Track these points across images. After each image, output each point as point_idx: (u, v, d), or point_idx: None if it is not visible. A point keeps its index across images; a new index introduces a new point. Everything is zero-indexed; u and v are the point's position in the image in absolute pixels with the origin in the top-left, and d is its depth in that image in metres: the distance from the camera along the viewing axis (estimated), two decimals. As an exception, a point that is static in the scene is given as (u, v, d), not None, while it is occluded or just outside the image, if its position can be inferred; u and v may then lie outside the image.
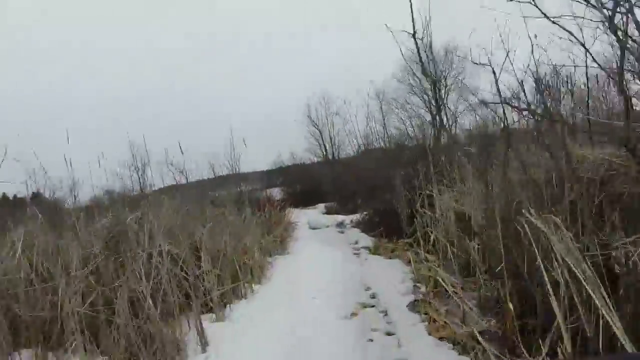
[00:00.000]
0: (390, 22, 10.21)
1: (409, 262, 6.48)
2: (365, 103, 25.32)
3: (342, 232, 11.82)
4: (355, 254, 8.78)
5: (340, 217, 13.83)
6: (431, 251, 6.52)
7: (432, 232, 6.77)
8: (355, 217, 12.68)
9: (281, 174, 25.62)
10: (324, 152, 26.43)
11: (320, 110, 26.49)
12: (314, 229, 12.66)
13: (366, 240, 9.54)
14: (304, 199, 21.51)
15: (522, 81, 4.91)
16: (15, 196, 10.65)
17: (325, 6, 37.35)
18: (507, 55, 5.01)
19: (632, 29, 3.38)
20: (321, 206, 18.98)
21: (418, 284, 5.63)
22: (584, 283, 2.59)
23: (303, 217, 14.13)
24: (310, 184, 22.06)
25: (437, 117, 15.91)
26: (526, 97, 5.03)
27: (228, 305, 5.28)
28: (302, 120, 26.60)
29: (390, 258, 7.64)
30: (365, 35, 26.73)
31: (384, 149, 23.11)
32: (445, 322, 4.15)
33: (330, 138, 26.38)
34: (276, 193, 26.54)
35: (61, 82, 28.70)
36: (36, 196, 8.68)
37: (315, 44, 37.62)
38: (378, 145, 24.81)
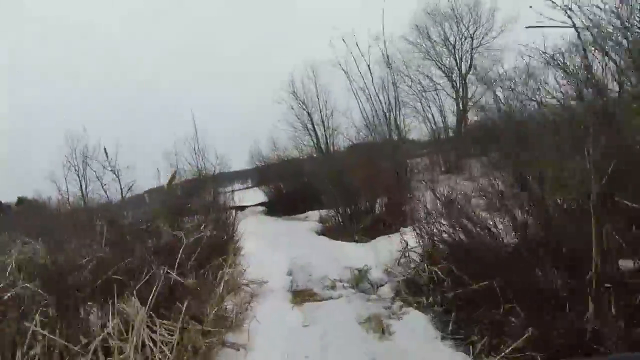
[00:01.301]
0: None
1: None
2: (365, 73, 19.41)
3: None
4: None
5: (355, 250, 7.33)
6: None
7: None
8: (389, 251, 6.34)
9: (259, 171, 19.63)
10: (315, 142, 20.41)
11: (309, 86, 20.47)
12: (305, 296, 5.69)
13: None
14: (290, 205, 15.65)
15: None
16: (0, 203, 11.71)
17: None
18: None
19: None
20: (314, 215, 13.08)
21: None
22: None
23: (281, 245, 8.12)
24: (297, 183, 16.15)
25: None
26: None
27: None
28: (286, 101, 20.55)
29: None
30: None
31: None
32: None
33: (323, 122, 20.36)
34: (250, 198, 20.67)
35: None
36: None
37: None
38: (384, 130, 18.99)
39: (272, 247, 7.68)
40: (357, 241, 7.58)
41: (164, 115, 26.82)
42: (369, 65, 19.21)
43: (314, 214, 13.03)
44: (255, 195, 20.44)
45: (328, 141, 20.29)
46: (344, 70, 16.54)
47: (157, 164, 17.05)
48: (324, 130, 20.44)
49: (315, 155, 20.20)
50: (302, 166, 17.70)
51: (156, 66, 30.69)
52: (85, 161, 17.56)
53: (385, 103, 19.65)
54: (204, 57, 35.52)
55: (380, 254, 5.99)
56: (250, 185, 30.83)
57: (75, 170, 18.58)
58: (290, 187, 16.90)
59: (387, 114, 19.78)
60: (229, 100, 31.20)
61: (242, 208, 20.89)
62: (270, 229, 10.87)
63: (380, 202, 9.09)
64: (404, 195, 8.67)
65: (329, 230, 9.31)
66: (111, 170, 16.18)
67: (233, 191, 23.52)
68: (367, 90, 19.47)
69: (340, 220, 9.45)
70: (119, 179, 16.93)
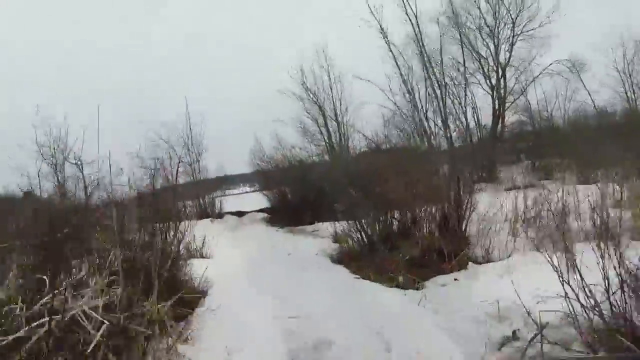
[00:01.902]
0: None
1: None
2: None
3: None
4: None
5: (407, 308, 4.02)
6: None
7: None
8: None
9: (261, 173, 16.95)
10: (327, 140, 17.66)
11: (321, 76, 17.75)
12: None
13: None
14: (295, 214, 12.94)
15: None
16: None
17: None
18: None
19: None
20: (325, 228, 10.30)
21: None
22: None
23: (277, 285, 5.34)
24: (305, 188, 13.45)
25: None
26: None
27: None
28: (295, 94, 17.85)
29: None
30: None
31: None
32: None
33: (337, 117, 17.60)
34: (251, 203, 17.92)
35: None
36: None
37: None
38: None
39: (260, 290, 4.93)
40: (400, 285, 4.75)
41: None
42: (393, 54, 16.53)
43: (325, 228, 10.27)
44: (256, 200, 17.74)
45: (342, 140, 17.53)
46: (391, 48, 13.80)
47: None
48: (338, 128, 17.68)
49: (325, 156, 17.46)
50: (311, 169, 14.99)
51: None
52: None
53: (412, 97, 16.95)
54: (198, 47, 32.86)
55: (461, 327, 3.18)
56: (253, 189, 28.31)
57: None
58: (297, 192, 14.19)
59: (417, 110, 17.10)
60: (228, 96, 28.55)
61: (241, 214, 18.31)
62: (264, 249, 8.11)
63: (422, 216, 6.31)
64: (463, 210, 5.92)
65: (350, 257, 6.49)
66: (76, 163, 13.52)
67: (223, 196, 21.07)
68: (396, 82, 16.79)
69: (365, 240, 6.67)
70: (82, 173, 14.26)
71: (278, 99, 19.35)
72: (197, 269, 5.44)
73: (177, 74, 27.52)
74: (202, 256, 7.32)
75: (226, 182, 25.63)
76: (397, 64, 16.58)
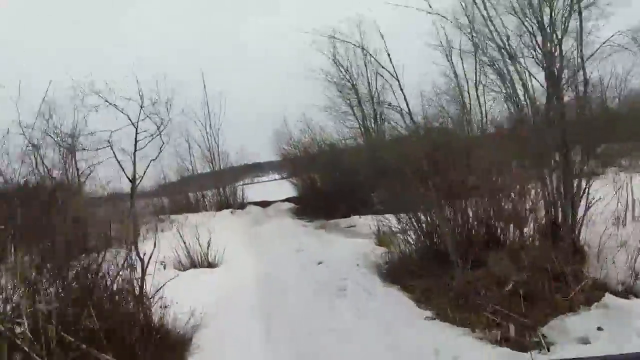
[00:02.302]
0: None
1: None
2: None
3: None
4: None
5: None
6: None
7: None
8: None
9: (286, 158, 15.20)
10: (361, 122, 15.61)
11: (355, 53, 15.62)
12: None
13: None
14: (327, 204, 11.16)
15: None
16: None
17: None
18: None
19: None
20: (364, 224, 8.47)
21: None
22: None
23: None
24: (338, 175, 11.66)
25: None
26: None
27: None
28: (323, 71, 15.80)
29: None
30: None
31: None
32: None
33: (372, 97, 15.52)
34: (276, 191, 16.24)
35: None
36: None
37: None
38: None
39: (273, 340, 3.15)
40: (511, 339, 2.82)
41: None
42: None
43: (364, 223, 8.42)
44: (283, 189, 16.09)
45: (378, 121, 15.45)
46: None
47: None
48: (373, 108, 15.59)
49: (359, 139, 15.44)
50: (344, 153, 13.09)
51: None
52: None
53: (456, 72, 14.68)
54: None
55: None
56: (280, 177, 26.81)
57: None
58: (328, 180, 12.37)
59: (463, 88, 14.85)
60: (250, 77, 26.70)
61: (265, 204, 16.70)
62: (288, 255, 6.31)
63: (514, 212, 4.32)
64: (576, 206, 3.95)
65: (406, 271, 4.58)
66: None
67: (250, 184, 19.54)
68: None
69: (427, 244, 4.77)
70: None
71: (307, 79, 17.44)
72: (192, 289, 3.74)
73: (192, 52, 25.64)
74: (209, 265, 5.65)
75: (254, 169, 24.15)
76: (445, 37, 14.24)
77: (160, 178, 14.90)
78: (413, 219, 5.06)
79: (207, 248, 5.56)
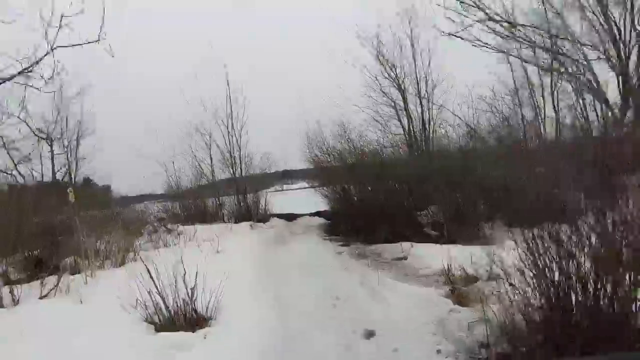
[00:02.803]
0: None
1: None
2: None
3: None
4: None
5: None
6: None
7: None
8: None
9: (321, 168, 13.12)
10: (407, 128, 13.40)
11: (400, 51, 13.46)
12: None
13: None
14: (365, 224, 9.07)
15: None
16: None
17: None
18: None
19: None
20: (419, 258, 6.34)
21: None
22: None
23: None
24: (382, 189, 9.58)
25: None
26: None
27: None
28: (367, 68, 13.71)
29: None
30: None
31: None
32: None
33: (420, 100, 13.33)
34: (305, 202, 14.16)
35: None
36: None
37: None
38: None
39: None
40: None
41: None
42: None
43: (423, 255, 6.22)
44: (311, 200, 14.06)
45: (428, 128, 13.22)
46: None
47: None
48: (421, 112, 13.37)
49: (401, 147, 13.23)
50: (388, 164, 10.89)
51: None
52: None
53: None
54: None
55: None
56: (309, 186, 24.84)
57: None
58: (368, 194, 10.23)
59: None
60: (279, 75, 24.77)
61: (292, 217, 14.17)
62: (315, 312, 4.11)
63: None
64: None
65: None
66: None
67: (279, 191, 17.59)
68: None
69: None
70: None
71: (345, 76, 15.44)
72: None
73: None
74: (193, 322, 3.60)
75: (281, 177, 22.21)
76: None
77: (173, 181, 13.25)
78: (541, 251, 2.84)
79: (191, 298, 3.51)
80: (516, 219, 4.18)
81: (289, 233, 10.71)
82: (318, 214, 13.34)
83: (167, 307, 3.54)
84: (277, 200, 14.21)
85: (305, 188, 27.79)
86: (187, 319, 3.55)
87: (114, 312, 3.60)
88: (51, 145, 12.86)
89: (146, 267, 3.45)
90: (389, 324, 3.56)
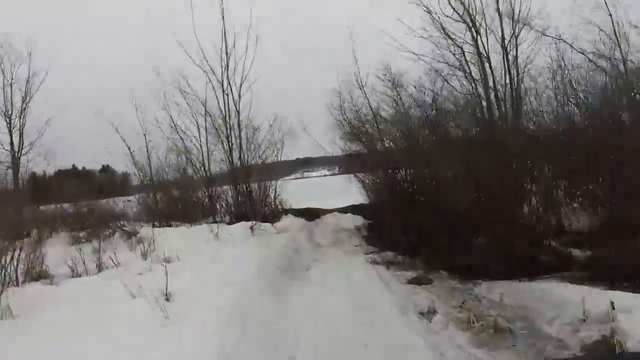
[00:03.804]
0: None
1: None
2: None
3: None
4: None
5: None
6: None
7: None
8: None
9: (355, 138, 8.83)
10: (483, 80, 8.91)
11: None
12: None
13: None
14: (428, 233, 5.17)
15: None
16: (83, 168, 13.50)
17: None
18: None
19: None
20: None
21: None
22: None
23: None
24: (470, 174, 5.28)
25: None
26: None
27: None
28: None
29: None
30: None
31: None
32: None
33: (505, 46, 8.78)
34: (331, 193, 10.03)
35: None
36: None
37: None
38: None
39: None
40: None
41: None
42: None
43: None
44: (340, 189, 9.94)
45: (513, 81, 8.71)
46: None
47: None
48: (506, 62, 8.83)
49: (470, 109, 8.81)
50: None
51: None
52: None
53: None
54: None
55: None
56: (333, 173, 20.89)
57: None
58: (443, 174, 6.03)
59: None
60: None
61: (313, 214, 8.16)
62: None
63: None
64: None
65: None
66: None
67: (297, 178, 13.74)
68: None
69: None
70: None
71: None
72: None
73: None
74: None
75: (299, 164, 18.30)
76: None
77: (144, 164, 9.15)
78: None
79: None
80: None
81: (310, 245, 6.58)
82: (352, 209, 9.18)
83: None
84: (293, 188, 9.99)
85: (325, 175, 23.46)
86: None
87: None
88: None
89: None
90: None
